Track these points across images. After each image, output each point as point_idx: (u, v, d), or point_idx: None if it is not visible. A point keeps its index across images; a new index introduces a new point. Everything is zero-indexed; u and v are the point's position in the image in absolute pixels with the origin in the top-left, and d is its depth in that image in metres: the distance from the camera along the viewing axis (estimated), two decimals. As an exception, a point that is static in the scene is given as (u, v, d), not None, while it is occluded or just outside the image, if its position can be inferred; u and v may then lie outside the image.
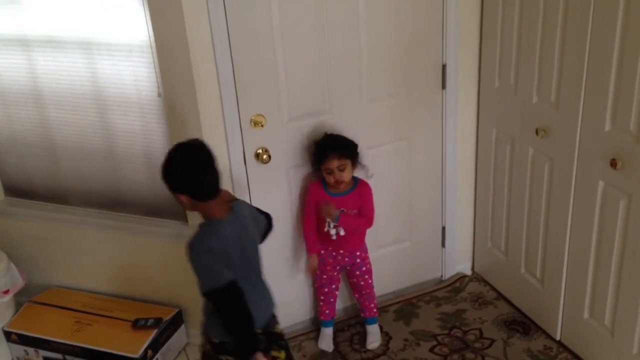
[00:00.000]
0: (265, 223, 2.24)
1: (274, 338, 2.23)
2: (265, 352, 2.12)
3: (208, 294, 1.96)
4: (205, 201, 1.98)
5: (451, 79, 2.89)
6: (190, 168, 1.94)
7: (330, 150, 2.58)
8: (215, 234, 1.98)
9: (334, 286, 2.88)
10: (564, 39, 2.40)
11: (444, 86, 2.90)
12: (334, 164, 2.57)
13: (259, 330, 2.11)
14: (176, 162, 1.95)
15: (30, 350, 2.87)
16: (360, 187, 2.70)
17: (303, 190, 2.79)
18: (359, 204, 2.70)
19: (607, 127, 2.29)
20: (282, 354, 2.23)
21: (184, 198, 1.97)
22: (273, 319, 2.25)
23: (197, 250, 1.95)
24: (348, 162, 2.59)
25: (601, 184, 2.39)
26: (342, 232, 2.70)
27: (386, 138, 2.89)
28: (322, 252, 2.80)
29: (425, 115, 2.93)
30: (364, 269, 2.83)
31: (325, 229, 2.72)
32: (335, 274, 2.85)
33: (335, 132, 2.68)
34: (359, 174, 2.74)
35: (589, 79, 2.32)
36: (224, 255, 1.96)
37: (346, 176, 2.60)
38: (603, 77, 2.25)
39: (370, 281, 2.88)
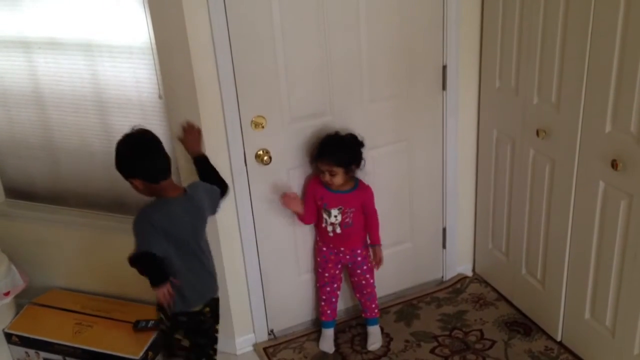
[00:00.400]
0: (219, 192, 2.37)
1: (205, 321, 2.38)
2: (179, 331, 2.32)
3: (131, 256, 2.14)
4: (157, 183, 2.14)
5: (452, 80, 2.89)
6: (136, 153, 2.13)
7: (325, 155, 2.60)
8: (161, 210, 2.15)
9: (335, 285, 2.88)
10: (565, 39, 2.40)
11: (444, 87, 2.90)
12: (325, 167, 2.60)
13: (202, 307, 2.33)
14: (124, 150, 2.14)
15: (31, 352, 2.87)
16: (361, 191, 2.71)
17: (304, 191, 2.79)
18: (358, 204, 2.71)
19: (608, 128, 2.29)
20: (187, 342, 2.36)
21: (137, 183, 2.15)
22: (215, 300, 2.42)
23: (140, 218, 2.14)
24: (340, 170, 2.60)
25: (602, 184, 2.39)
26: (338, 230, 2.71)
27: (387, 139, 2.89)
28: (324, 249, 2.80)
29: (425, 116, 2.93)
30: (364, 267, 2.83)
31: (323, 225, 2.73)
32: (337, 272, 2.86)
33: (345, 132, 2.67)
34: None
35: (590, 80, 2.32)
36: (162, 231, 2.13)
37: (336, 181, 2.62)
38: (604, 78, 2.25)
39: (371, 281, 2.88)
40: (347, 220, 2.70)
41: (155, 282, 2.18)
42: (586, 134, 2.40)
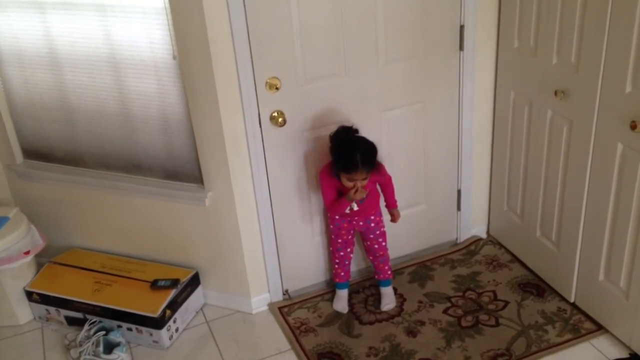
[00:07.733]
0: None
1: None
2: None
3: None
4: None
5: (469, 40, 2.84)
6: None
7: (361, 165, 2.50)
8: None
9: (349, 249, 2.90)
10: (586, -3, 2.34)
11: (461, 47, 2.86)
12: (360, 177, 2.53)
13: None
14: None
15: (52, 309, 2.94)
16: (375, 171, 2.65)
17: (318, 154, 2.78)
18: (372, 183, 2.68)
19: (628, 88, 2.25)
20: None
21: None
22: None
23: None
24: (370, 174, 2.57)
25: (620, 146, 2.36)
26: (355, 208, 2.70)
27: (402, 100, 2.86)
28: (337, 217, 2.81)
29: (442, 77, 2.90)
30: (377, 232, 2.84)
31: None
32: (350, 237, 2.87)
33: (357, 135, 2.60)
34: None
35: (611, 40, 2.27)
36: None
37: (366, 185, 2.57)
38: (625, 37, 2.20)
39: (384, 244, 2.89)
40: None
41: None
42: (605, 95, 2.36)
